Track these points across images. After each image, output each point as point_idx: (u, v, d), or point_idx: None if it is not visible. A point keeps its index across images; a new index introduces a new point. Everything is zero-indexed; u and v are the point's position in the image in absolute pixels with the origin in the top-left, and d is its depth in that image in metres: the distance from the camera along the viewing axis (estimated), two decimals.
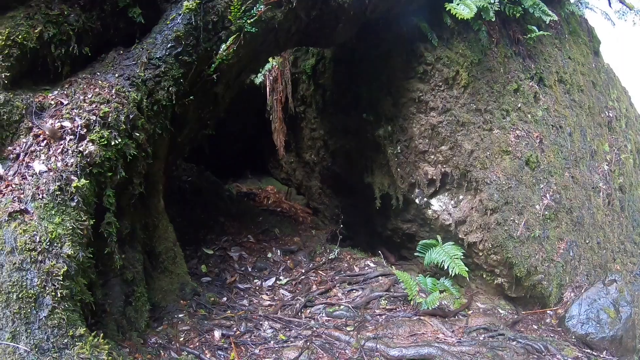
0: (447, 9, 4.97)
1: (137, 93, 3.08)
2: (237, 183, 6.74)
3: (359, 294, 4.57)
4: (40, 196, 2.40)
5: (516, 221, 5.26)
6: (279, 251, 4.80)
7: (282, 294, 4.42)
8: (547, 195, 5.56)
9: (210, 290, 4.16)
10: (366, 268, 5.00)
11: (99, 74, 3.10)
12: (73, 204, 2.48)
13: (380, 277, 4.81)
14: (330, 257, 4.99)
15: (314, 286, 4.59)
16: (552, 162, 5.76)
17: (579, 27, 7.21)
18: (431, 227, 5.66)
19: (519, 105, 5.68)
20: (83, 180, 2.55)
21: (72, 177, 2.51)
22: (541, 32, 5.93)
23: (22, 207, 2.34)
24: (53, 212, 2.39)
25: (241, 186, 6.69)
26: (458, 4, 5.02)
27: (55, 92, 2.96)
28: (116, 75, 3.08)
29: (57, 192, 2.44)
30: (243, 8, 3.53)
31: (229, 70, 3.74)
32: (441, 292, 5.11)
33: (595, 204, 6.27)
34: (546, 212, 5.47)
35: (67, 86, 3.00)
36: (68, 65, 3.11)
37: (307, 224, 5.77)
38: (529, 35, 5.98)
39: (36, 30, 2.89)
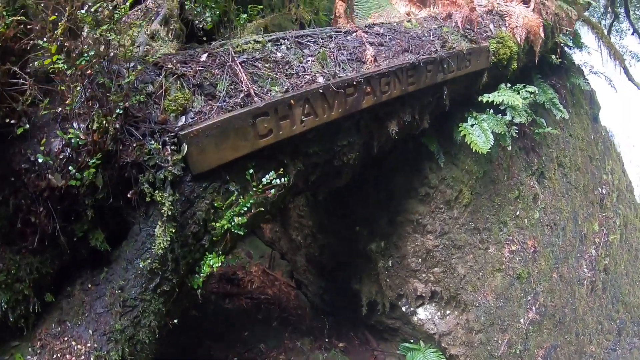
0: (462, 133, 4.40)
1: (116, 349, 2.61)
2: None
3: None
4: None
5: (499, 341, 5.09)
6: None
7: None
8: (533, 308, 5.36)
9: None
10: None
11: (69, 325, 2.59)
12: None
13: None
14: None
15: None
16: (542, 269, 5.51)
17: (582, 95, 6.66)
18: (415, 328, 5.45)
19: (517, 213, 5.29)
20: None
21: None
22: (549, 129, 5.39)
23: None
24: None
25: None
26: (472, 126, 4.45)
27: (28, 357, 2.50)
28: (90, 331, 2.58)
29: None
30: (230, 211, 2.94)
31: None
32: None
33: (578, 295, 6.14)
34: (530, 327, 5.30)
35: (38, 347, 2.52)
36: (33, 317, 2.58)
37: (291, 312, 5.50)
38: (536, 130, 5.45)
39: None
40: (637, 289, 7.55)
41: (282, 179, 3.01)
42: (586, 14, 10.63)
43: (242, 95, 2.98)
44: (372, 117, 3.72)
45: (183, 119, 2.70)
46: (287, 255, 6.29)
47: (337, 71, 3.38)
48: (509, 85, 4.63)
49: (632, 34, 9.92)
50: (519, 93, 4.56)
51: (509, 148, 4.58)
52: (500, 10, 4.99)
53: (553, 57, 5.36)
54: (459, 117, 4.60)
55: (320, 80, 3.24)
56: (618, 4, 9.36)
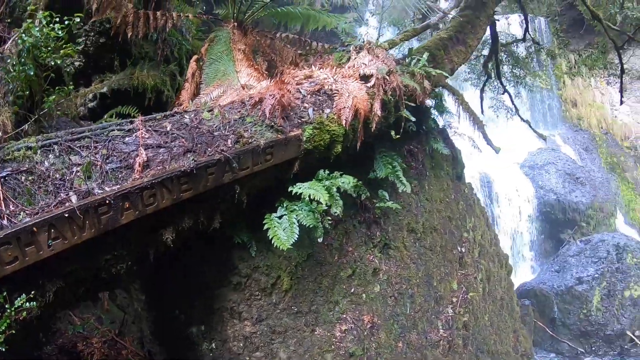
0: (266, 225, 3.98)
1: None
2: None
3: None
4: None
5: None
6: None
7: None
8: None
9: None
10: None
11: None
12: None
13: None
14: None
15: None
16: (382, 342, 5.17)
17: (441, 157, 6.40)
18: None
19: (352, 290, 4.94)
20: None
21: None
22: (389, 204, 5.07)
23: None
24: None
25: (73, 316, 5.72)
26: (281, 217, 4.04)
27: None
28: None
29: None
30: None
31: None
32: None
33: (432, 358, 5.85)
34: None
35: None
36: None
37: None
38: (378, 204, 5.11)
39: None
40: (504, 337, 7.36)
41: (31, 303, 2.76)
42: (467, 70, 10.49)
43: None
44: (145, 228, 3.30)
45: None
46: (135, 322, 5.79)
47: (95, 186, 3.02)
48: (327, 172, 4.27)
49: (503, 93, 9.78)
50: (336, 180, 4.20)
51: (320, 240, 4.20)
52: (331, 90, 4.60)
53: (392, 132, 5.03)
54: (274, 204, 4.21)
55: (74, 199, 2.91)
56: (490, 66, 9.22)
